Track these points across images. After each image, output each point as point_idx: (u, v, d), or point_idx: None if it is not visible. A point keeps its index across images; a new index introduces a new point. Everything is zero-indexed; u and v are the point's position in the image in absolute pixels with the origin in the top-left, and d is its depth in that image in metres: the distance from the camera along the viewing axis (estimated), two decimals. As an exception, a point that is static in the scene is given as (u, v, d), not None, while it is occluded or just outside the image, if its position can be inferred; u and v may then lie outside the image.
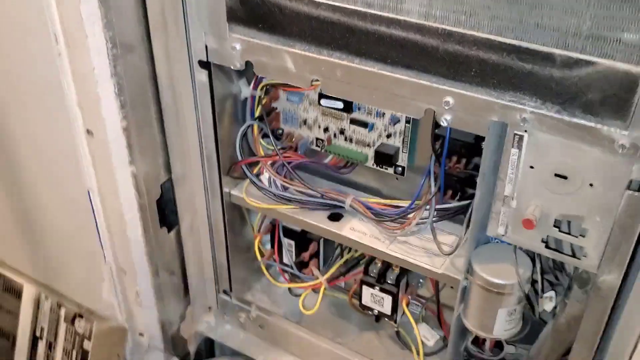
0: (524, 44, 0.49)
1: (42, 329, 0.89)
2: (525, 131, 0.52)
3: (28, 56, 0.65)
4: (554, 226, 0.56)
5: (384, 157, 0.71)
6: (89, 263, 0.78)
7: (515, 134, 0.53)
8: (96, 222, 0.73)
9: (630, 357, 0.57)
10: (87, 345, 0.84)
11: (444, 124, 0.56)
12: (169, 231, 0.80)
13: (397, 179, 0.74)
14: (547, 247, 0.58)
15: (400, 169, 0.72)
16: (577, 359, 0.62)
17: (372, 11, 0.55)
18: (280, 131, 0.78)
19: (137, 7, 0.64)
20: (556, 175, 0.53)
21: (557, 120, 0.50)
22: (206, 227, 0.81)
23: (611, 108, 0.48)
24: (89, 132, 0.65)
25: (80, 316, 0.85)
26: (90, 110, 0.64)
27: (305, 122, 0.76)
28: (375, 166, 0.73)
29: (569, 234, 0.55)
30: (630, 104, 0.47)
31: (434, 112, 0.56)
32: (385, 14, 0.54)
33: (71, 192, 0.72)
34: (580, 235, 0.55)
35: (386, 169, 0.73)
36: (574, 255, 0.57)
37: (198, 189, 0.77)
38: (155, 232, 0.77)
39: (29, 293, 0.89)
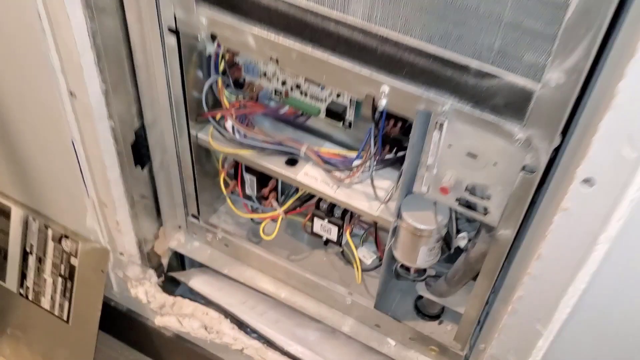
0: (447, 54, 0.59)
1: (31, 245, 1.00)
2: (445, 119, 0.64)
3: (18, 31, 0.72)
4: (465, 190, 0.69)
5: (334, 114, 0.81)
6: (74, 195, 0.89)
7: (437, 122, 0.64)
8: (79, 165, 0.83)
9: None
10: (74, 261, 0.97)
11: (380, 108, 0.67)
12: (142, 168, 0.90)
13: (345, 129, 0.85)
14: (460, 204, 0.71)
15: (348, 122, 0.83)
16: (482, 285, 0.78)
17: (323, 8, 0.63)
18: (242, 81, 0.87)
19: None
20: (468, 154, 0.66)
21: (470, 115, 0.62)
22: (175, 164, 0.92)
23: (512, 110, 0.59)
24: (72, 94, 0.74)
25: (66, 237, 0.97)
26: (73, 76, 0.72)
27: (265, 74, 0.85)
28: (326, 117, 0.84)
29: (476, 196, 0.69)
30: (526, 109, 0.58)
31: (373, 97, 0.67)
32: (334, 13, 0.63)
33: (56, 141, 0.81)
34: (485, 198, 0.68)
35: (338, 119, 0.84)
36: (481, 211, 0.70)
37: (168, 133, 0.87)
38: (130, 171, 0.87)
39: (17, 214, 1.00)
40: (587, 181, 0.48)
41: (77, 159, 0.82)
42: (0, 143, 0.90)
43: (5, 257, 1.04)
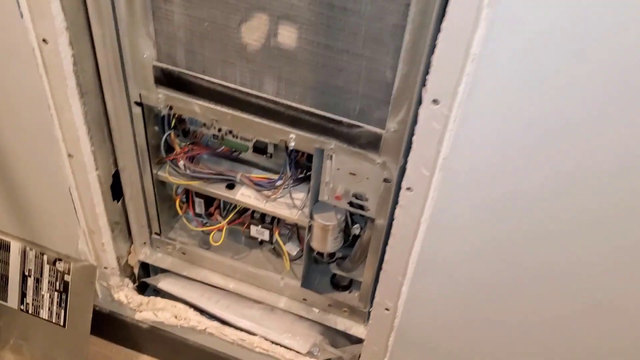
0: (328, 114, 0.93)
1: (29, 270, 1.28)
2: (333, 153, 0.98)
3: (30, 113, 1.00)
4: (352, 196, 1.04)
5: (259, 149, 1.14)
6: (68, 227, 1.17)
7: (328, 154, 0.99)
8: (74, 204, 1.12)
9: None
10: (67, 278, 1.25)
11: (290, 148, 1.01)
12: (118, 201, 1.20)
13: (269, 157, 1.18)
14: (350, 206, 1.06)
15: (270, 154, 1.16)
16: (371, 260, 1.13)
17: (245, 88, 0.96)
18: (188, 130, 1.18)
19: (93, 68, 1.00)
20: (350, 173, 1.00)
21: (348, 150, 0.96)
22: (142, 196, 1.22)
23: (372, 146, 0.94)
24: (70, 155, 1.03)
25: (60, 260, 1.25)
26: (72, 143, 1.01)
27: (204, 124, 1.16)
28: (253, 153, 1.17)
29: (359, 200, 1.04)
30: (379, 145, 0.93)
31: (285, 141, 1.00)
32: (253, 91, 0.96)
33: (56, 189, 1.10)
34: (365, 200, 1.03)
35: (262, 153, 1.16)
36: (364, 209, 1.05)
37: (135, 174, 1.17)
38: (111, 205, 1.17)
39: (15, 247, 1.26)
40: (409, 189, 0.84)
41: (72, 201, 1.11)
42: (4, 191, 1.17)
43: (6, 282, 1.30)
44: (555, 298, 0.90)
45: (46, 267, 1.26)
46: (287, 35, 0.88)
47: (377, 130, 0.92)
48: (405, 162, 0.92)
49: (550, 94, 0.65)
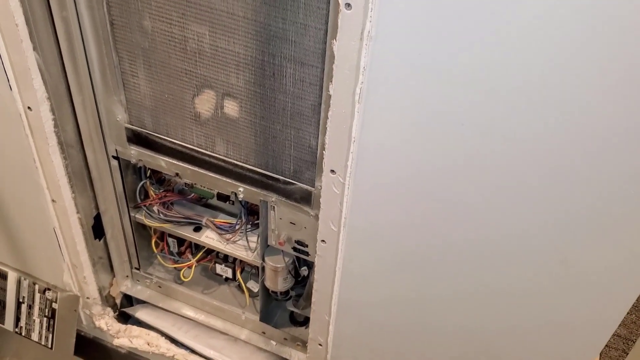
0: (268, 173, 1.09)
1: (23, 297, 1.45)
2: (275, 205, 1.14)
3: (18, 167, 1.18)
4: (295, 242, 1.19)
5: (222, 197, 1.30)
6: (54, 262, 1.34)
7: (271, 206, 1.14)
8: (59, 242, 1.29)
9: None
10: (55, 305, 1.42)
11: (240, 198, 1.16)
12: (99, 240, 1.37)
13: (231, 204, 1.34)
14: (294, 250, 1.20)
15: (231, 201, 1.32)
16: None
17: (201, 149, 1.13)
18: (164, 178, 1.35)
19: (74, 128, 1.17)
20: (291, 222, 1.15)
21: (287, 203, 1.11)
22: (122, 235, 1.39)
23: (305, 200, 1.09)
24: (54, 201, 1.21)
25: (49, 289, 1.42)
26: (55, 191, 1.19)
27: (176, 174, 1.33)
28: (217, 200, 1.33)
29: (301, 245, 1.18)
30: (311, 200, 1.08)
31: (235, 193, 1.16)
32: (207, 151, 1.13)
33: (43, 230, 1.27)
34: (305, 246, 1.18)
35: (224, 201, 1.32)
36: (307, 254, 1.20)
37: (115, 216, 1.34)
38: (92, 243, 1.34)
39: (12, 276, 1.44)
40: (323, 241, 0.99)
41: (57, 239, 1.28)
42: (3, 227, 1.35)
43: (3, 307, 1.47)
44: (457, 338, 1.03)
45: (37, 296, 1.43)
46: (231, 108, 1.04)
47: (308, 187, 1.07)
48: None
49: (412, 168, 0.80)
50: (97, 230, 1.35)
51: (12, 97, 1.04)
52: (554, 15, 0.62)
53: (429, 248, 0.89)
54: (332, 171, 0.87)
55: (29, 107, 1.05)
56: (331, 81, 0.77)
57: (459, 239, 0.85)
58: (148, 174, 1.30)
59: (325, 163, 0.87)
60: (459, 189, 0.79)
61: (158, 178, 1.34)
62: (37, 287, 1.43)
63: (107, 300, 1.48)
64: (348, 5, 0.69)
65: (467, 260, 0.89)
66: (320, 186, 1.02)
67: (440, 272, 0.92)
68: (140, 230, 1.40)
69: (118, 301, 1.51)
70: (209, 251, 1.41)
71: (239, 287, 1.46)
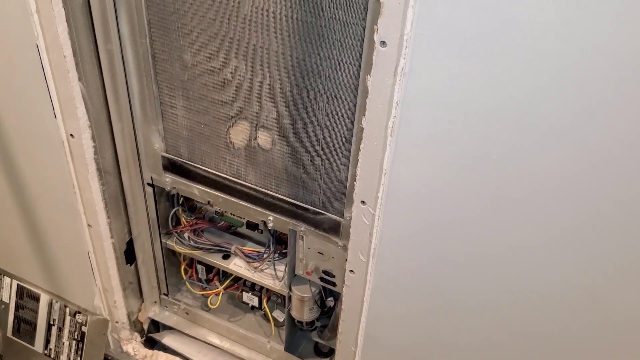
0: (298, 202, 1.12)
1: (54, 319, 1.48)
2: (304, 234, 1.16)
3: (59, 193, 1.23)
4: (322, 272, 1.20)
5: (251, 225, 1.33)
6: (86, 285, 1.38)
7: (300, 235, 1.16)
8: (92, 266, 1.32)
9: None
10: (84, 329, 1.45)
11: (269, 226, 1.19)
12: (131, 265, 1.40)
13: (260, 232, 1.37)
14: (321, 280, 1.22)
15: (260, 230, 1.34)
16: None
17: (233, 178, 1.16)
18: (195, 205, 1.39)
19: (113, 155, 1.22)
20: (319, 252, 1.17)
21: (315, 232, 1.14)
22: (152, 261, 1.42)
23: (334, 231, 1.11)
24: (90, 225, 1.24)
25: (79, 312, 1.45)
26: (91, 216, 1.22)
27: (208, 202, 1.36)
28: (246, 229, 1.36)
29: (328, 275, 1.20)
30: (340, 230, 1.10)
31: (265, 221, 1.19)
32: (240, 180, 1.16)
33: (77, 254, 1.31)
34: (332, 276, 1.20)
35: (253, 229, 1.35)
36: (333, 284, 1.21)
37: (147, 242, 1.38)
38: (124, 268, 1.37)
39: (44, 299, 1.48)
40: (351, 272, 1.01)
41: (90, 263, 1.32)
42: (38, 251, 1.40)
43: (34, 329, 1.51)
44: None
45: (68, 318, 1.46)
46: (264, 139, 1.07)
47: (337, 218, 1.09)
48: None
49: (442, 204, 0.82)
50: (129, 255, 1.38)
51: (55, 125, 1.09)
52: (590, 59, 0.64)
53: (460, 289, 0.90)
54: (363, 202, 0.90)
55: (71, 135, 1.09)
56: (364, 114, 0.80)
57: (492, 281, 0.86)
58: (181, 202, 1.34)
59: (356, 194, 0.89)
60: (490, 228, 0.81)
61: (190, 206, 1.37)
62: (68, 310, 1.46)
63: (135, 325, 1.50)
64: (383, 43, 0.72)
65: (500, 307, 0.90)
66: (350, 217, 1.04)
67: (471, 316, 0.93)
68: (170, 256, 1.43)
69: (145, 326, 1.53)
70: (237, 279, 1.43)
71: (265, 316, 1.47)
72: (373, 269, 0.96)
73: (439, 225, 0.85)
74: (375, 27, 0.72)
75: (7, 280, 1.51)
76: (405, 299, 0.98)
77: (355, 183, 0.88)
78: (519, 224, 0.79)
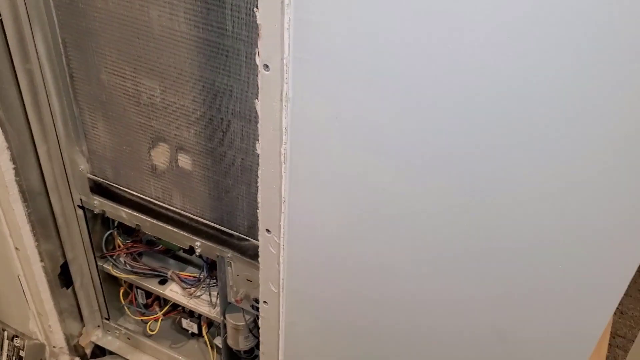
0: (223, 229, 1.07)
1: (-8, 344, 1.44)
2: (231, 261, 1.11)
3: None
4: (253, 299, 1.16)
5: (188, 250, 1.29)
6: (20, 309, 1.33)
7: (228, 261, 1.12)
8: (23, 290, 1.28)
9: None
10: (22, 353, 1.40)
11: (197, 252, 1.15)
12: (67, 288, 1.36)
13: (199, 257, 1.32)
14: (253, 307, 1.17)
15: (198, 254, 1.30)
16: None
17: (158, 202, 1.12)
18: (132, 229, 1.34)
19: (39, 176, 1.18)
20: (247, 279, 1.13)
21: (242, 259, 1.09)
22: (91, 283, 1.38)
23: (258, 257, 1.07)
24: (17, 249, 1.20)
25: (17, 336, 1.41)
26: (17, 239, 1.19)
27: (137, 225, 1.32)
28: (183, 253, 1.31)
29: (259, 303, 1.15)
30: (265, 257, 1.06)
31: (193, 247, 1.15)
32: (164, 204, 1.12)
33: (9, 278, 1.27)
34: (264, 303, 1.15)
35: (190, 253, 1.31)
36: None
37: (84, 265, 1.33)
38: (59, 292, 1.33)
39: (-18, 323, 1.44)
40: (265, 302, 0.96)
41: (22, 287, 1.27)
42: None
43: (-28, 353, 1.46)
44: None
45: (6, 342, 1.42)
46: (184, 161, 1.03)
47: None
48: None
49: (340, 231, 0.77)
50: (65, 278, 1.34)
51: (-29, 146, 1.05)
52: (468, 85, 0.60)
53: (364, 315, 0.85)
54: (268, 230, 0.85)
55: (-13, 156, 1.06)
56: (258, 140, 0.76)
57: (391, 304, 0.81)
58: (116, 224, 1.30)
59: (260, 221, 0.85)
60: (386, 254, 0.76)
61: (127, 227, 1.33)
62: (6, 333, 1.42)
63: (77, 349, 1.46)
64: (266, 66, 0.68)
65: (413, 342, 0.85)
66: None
67: (378, 340, 0.88)
68: (110, 279, 1.39)
69: (88, 351, 1.48)
70: (177, 304, 1.38)
71: (205, 342, 1.42)
72: (284, 300, 0.91)
73: (344, 257, 0.81)
74: (256, 49, 0.68)
75: (-56, 302, 1.47)
76: (319, 331, 0.93)
77: (258, 211, 0.84)
78: (412, 245, 0.75)
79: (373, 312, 0.85)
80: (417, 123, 0.64)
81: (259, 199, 0.82)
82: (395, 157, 0.67)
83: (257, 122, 0.88)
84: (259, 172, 0.79)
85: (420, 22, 0.58)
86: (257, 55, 0.68)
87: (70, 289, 1.37)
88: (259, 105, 0.72)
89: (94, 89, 1.03)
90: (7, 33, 0.99)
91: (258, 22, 0.65)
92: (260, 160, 0.78)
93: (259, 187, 0.81)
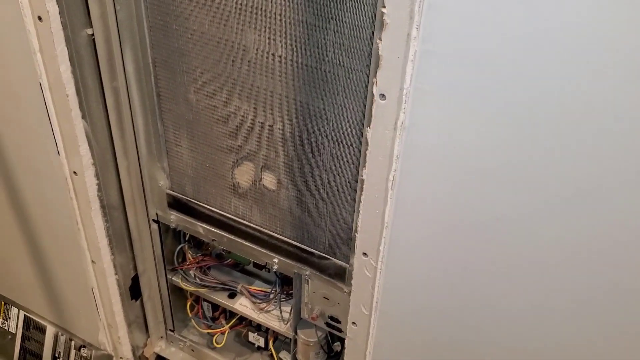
0: (303, 246, 1.08)
1: (59, 352, 1.46)
2: (309, 278, 1.12)
3: (64, 231, 1.21)
4: (328, 317, 1.16)
5: (258, 264, 1.30)
6: (91, 320, 1.36)
7: (305, 279, 1.13)
8: (96, 302, 1.30)
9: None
10: (89, 363, 1.43)
11: (274, 269, 1.15)
12: (136, 300, 1.38)
13: (267, 271, 1.33)
14: (327, 325, 1.18)
15: (267, 269, 1.31)
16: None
17: (238, 218, 1.13)
18: (202, 243, 1.36)
19: (118, 192, 1.20)
20: (324, 297, 1.13)
21: (320, 277, 1.10)
22: (158, 296, 1.39)
23: (340, 276, 1.07)
24: (93, 262, 1.23)
25: (84, 346, 1.43)
26: (95, 252, 1.21)
27: (213, 240, 1.33)
28: (253, 267, 1.32)
29: (333, 321, 1.16)
30: (344, 276, 1.06)
31: (269, 263, 1.15)
32: (244, 221, 1.13)
33: (82, 290, 1.29)
34: (338, 322, 1.15)
35: (260, 268, 1.32)
36: (339, 330, 1.17)
37: (153, 278, 1.35)
38: (129, 303, 1.35)
39: (50, 331, 1.46)
40: (354, 324, 0.96)
41: (94, 299, 1.29)
42: (45, 284, 1.38)
43: (40, 361, 1.49)
44: None
45: (72, 352, 1.44)
46: (269, 180, 1.04)
47: (343, 263, 1.05)
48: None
49: (445, 261, 0.78)
50: (135, 291, 1.36)
51: (59, 162, 1.08)
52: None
53: (457, 339, 0.85)
54: (365, 254, 0.86)
55: (74, 172, 1.08)
56: (364, 166, 0.77)
57: (491, 335, 0.81)
58: (187, 238, 1.31)
59: (357, 245, 0.86)
60: (489, 281, 0.76)
61: (197, 242, 1.35)
62: (73, 343, 1.44)
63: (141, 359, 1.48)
64: (383, 95, 0.69)
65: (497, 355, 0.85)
66: (355, 262, 1.00)
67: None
68: (177, 292, 1.41)
69: (151, 362, 1.50)
70: (243, 318, 1.40)
71: (272, 356, 1.43)
72: (375, 322, 0.91)
73: (442, 283, 0.81)
74: (374, 79, 0.68)
75: (14, 310, 1.50)
76: (409, 353, 0.94)
77: (356, 234, 0.84)
78: (525, 281, 0.75)
79: (468, 337, 0.85)
80: (539, 158, 0.64)
81: (359, 223, 0.83)
82: (514, 186, 0.67)
83: (351, 145, 0.89)
84: (362, 197, 0.80)
85: (548, 57, 0.59)
86: (374, 85, 0.69)
87: (138, 301, 1.39)
88: (370, 132, 0.73)
89: (180, 108, 1.05)
90: (98, 52, 1.01)
91: (380, 53, 0.66)
92: (365, 186, 0.78)
93: (361, 212, 0.81)
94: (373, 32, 0.74)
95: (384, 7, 0.64)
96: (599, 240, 0.67)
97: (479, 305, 0.81)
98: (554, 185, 0.66)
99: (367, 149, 0.75)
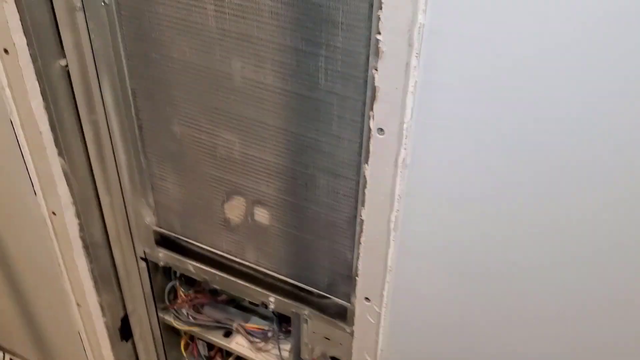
0: (301, 285, 1.01)
1: (47, 399, 1.38)
2: (307, 318, 1.04)
3: (46, 270, 1.14)
4: (330, 358, 1.09)
5: (254, 302, 1.22)
6: (79, 364, 1.28)
7: (304, 318, 1.05)
8: (84, 346, 1.23)
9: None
10: (78, 409, 1.35)
11: (270, 308, 1.08)
12: (127, 341, 1.30)
13: (265, 307, 1.26)
14: (329, 366, 1.10)
15: (265, 305, 1.23)
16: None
17: (230, 256, 1.06)
18: (194, 279, 1.28)
19: (102, 230, 1.13)
20: (324, 337, 1.06)
21: (321, 317, 1.02)
22: (150, 335, 1.32)
23: (341, 316, 1.00)
24: (78, 304, 1.15)
25: (73, 392, 1.35)
26: (80, 295, 1.13)
27: (205, 279, 1.26)
28: (249, 303, 1.25)
29: (337, 362, 1.08)
30: (346, 316, 0.99)
31: (265, 302, 1.08)
32: (237, 258, 1.05)
33: (68, 334, 1.22)
34: None
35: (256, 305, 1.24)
36: (343, 370, 1.09)
37: (144, 317, 1.28)
38: (119, 345, 1.27)
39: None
40: None
41: (82, 343, 1.22)
42: (30, 328, 1.31)
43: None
44: None
45: (61, 398, 1.36)
46: (262, 215, 0.97)
47: (344, 303, 0.97)
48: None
49: (459, 305, 0.70)
50: (125, 331, 1.28)
51: (36, 202, 1.00)
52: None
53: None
54: (367, 299, 0.78)
55: (53, 212, 1.01)
56: (363, 206, 0.69)
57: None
58: (178, 275, 1.24)
59: (358, 289, 0.78)
60: (499, 340, 0.69)
61: (188, 278, 1.27)
62: (61, 388, 1.36)
63: (134, 403, 1.40)
64: (380, 130, 0.62)
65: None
66: (357, 303, 0.93)
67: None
68: (170, 330, 1.33)
69: (145, 404, 1.42)
70: (240, 357, 1.32)
71: (272, 397, 1.35)
72: (381, 371, 0.84)
73: (452, 331, 0.73)
74: (370, 112, 0.61)
75: (0, 354, 1.43)
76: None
77: (357, 278, 0.77)
78: (538, 333, 0.67)
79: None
80: (557, 198, 0.57)
81: (359, 266, 0.76)
82: (528, 231, 0.60)
83: (348, 177, 0.82)
84: (362, 239, 0.72)
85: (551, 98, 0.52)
86: (370, 118, 0.62)
87: (129, 342, 1.31)
88: (368, 170, 0.66)
89: (164, 141, 0.98)
90: (73, 84, 0.94)
91: (376, 84, 0.59)
92: (364, 227, 0.71)
93: (360, 254, 0.74)
94: (368, 58, 0.67)
95: (379, 33, 0.57)
96: (620, 291, 0.60)
97: (488, 356, 0.73)
98: (569, 231, 0.58)
99: (365, 187, 0.68)
